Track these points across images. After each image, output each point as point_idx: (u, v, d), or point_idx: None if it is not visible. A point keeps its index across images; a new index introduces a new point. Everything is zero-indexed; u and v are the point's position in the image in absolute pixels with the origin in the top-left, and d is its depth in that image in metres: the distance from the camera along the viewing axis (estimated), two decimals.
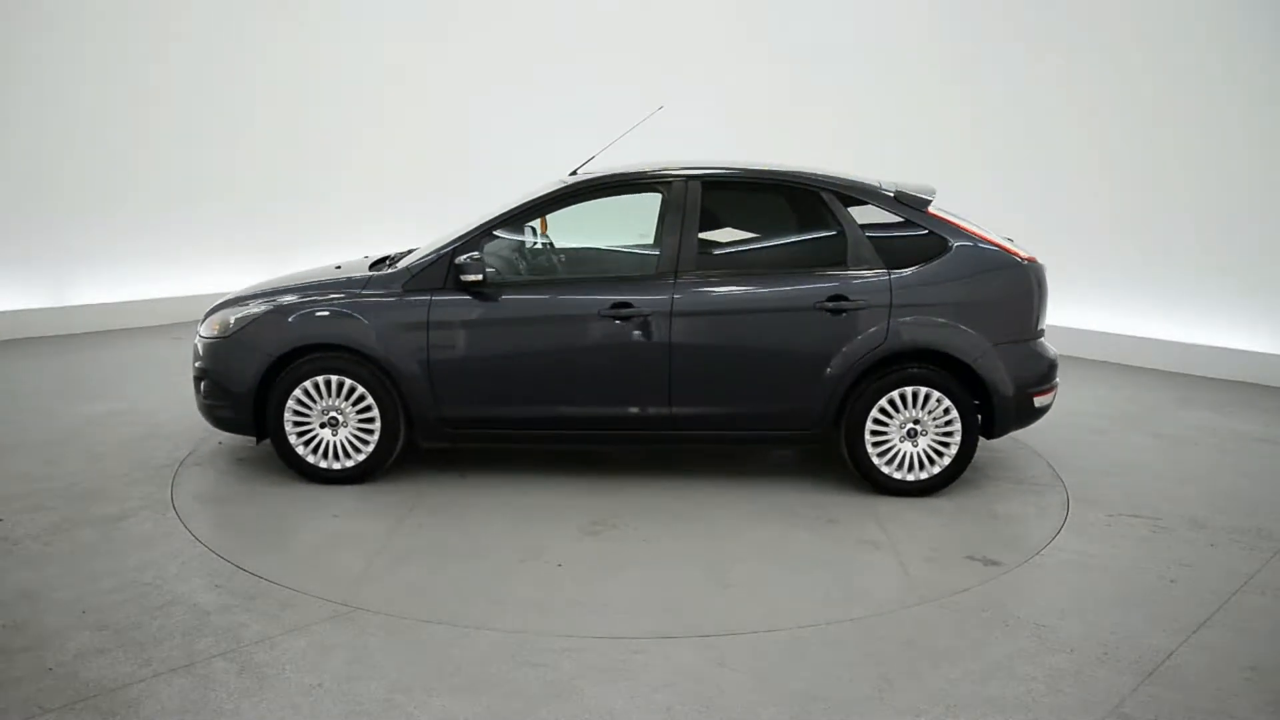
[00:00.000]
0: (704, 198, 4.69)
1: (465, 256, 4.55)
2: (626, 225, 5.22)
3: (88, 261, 8.54)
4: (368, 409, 4.66)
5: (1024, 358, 4.61)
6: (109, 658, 3.12)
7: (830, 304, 4.51)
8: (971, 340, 4.52)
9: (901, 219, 4.64)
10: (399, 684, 3.01)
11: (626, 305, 4.54)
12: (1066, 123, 8.10)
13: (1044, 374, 4.67)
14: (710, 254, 4.71)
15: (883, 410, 4.57)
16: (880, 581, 3.80)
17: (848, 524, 4.35)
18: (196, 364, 4.82)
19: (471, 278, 4.51)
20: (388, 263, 5.03)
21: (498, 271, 4.68)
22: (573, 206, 4.82)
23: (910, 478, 4.63)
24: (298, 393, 4.62)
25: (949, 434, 4.57)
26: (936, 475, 4.63)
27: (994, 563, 3.95)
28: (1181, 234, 7.63)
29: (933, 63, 8.81)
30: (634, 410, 4.63)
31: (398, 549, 4.06)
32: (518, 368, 4.63)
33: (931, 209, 4.67)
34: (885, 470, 4.63)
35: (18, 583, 3.63)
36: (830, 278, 4.57)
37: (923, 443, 4.61)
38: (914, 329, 4.51)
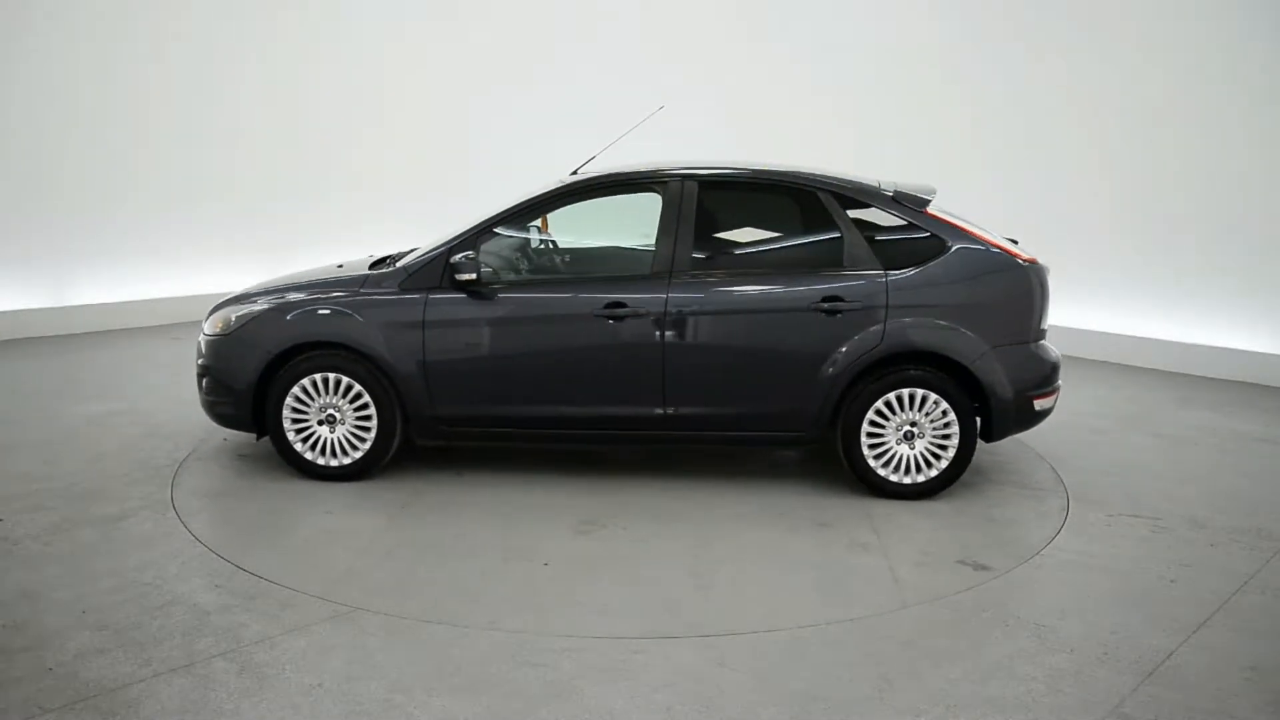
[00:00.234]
0: (700, 198, 4.67)
1: (460, 256, 4.56)
2: (628, 225, 5.22)
3: (88, 261, 8.53)
4: (365, 407, 4.69)
5: (1024, 360, 4.57)
6: (109, 658, 3.12)
7: (825, 305, 4.49)
8: (969, 342, 4.48)
9: (900, 219, 4.61)
10: (399, 684, 3.01)
11: (621, 305, 4.54)
12: (1067, 123, 8.10)
13: (1045, 377, 4.62)
14: (706, 254, 4.69)
15: (879, 412, 4.54)
16: (866, 585, 3.77)
17: (840, 527, 4.33)
18: (199, 361, 4.89)
19: (465, 277, 4.53)
20: (388, 262, 5.03)
21: (495, 271, 4.69)
22: (570, 206, 4.84)
23: (907, 480, 4.59)
24: (296, 390, 4.67)
25: (947, 437, 4.54)
26: (934, 478, 4.59)
27: (984, 568, 3.92)
28: (1182, 234, 7.63)
29: (934, 62, 8.81)
30: (629, 410, 4.63)
31: (386, 546, 4.08)
32: (512, 367, 4.65)
33: (931, 209, 4.64)
34: (882, 473, 4.60)
35: (18, 583, 3.63)
36: (826, 278, 4.55)
37: (920, 445, 4.57)
38: (910, 331, 4.48)
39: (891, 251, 4.59)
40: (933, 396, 4.50)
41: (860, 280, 4.52)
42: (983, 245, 4.58)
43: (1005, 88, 8.39)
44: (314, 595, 3.57)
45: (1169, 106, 7.57)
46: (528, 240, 5.14)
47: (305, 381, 4.66)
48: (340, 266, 5.22)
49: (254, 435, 4.92)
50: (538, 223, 5.22)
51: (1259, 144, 7.21)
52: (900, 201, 4.63)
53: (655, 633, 3.36)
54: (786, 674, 3.11)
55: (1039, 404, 4.63)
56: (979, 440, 4.66)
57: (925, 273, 4.52)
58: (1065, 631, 3.41)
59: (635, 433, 4.72)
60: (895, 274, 4.52)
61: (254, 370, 4.66)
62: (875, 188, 4.69)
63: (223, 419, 4.87)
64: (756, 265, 4.78)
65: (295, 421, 4.72)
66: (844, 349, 4.49)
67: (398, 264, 4.84)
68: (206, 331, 4.88)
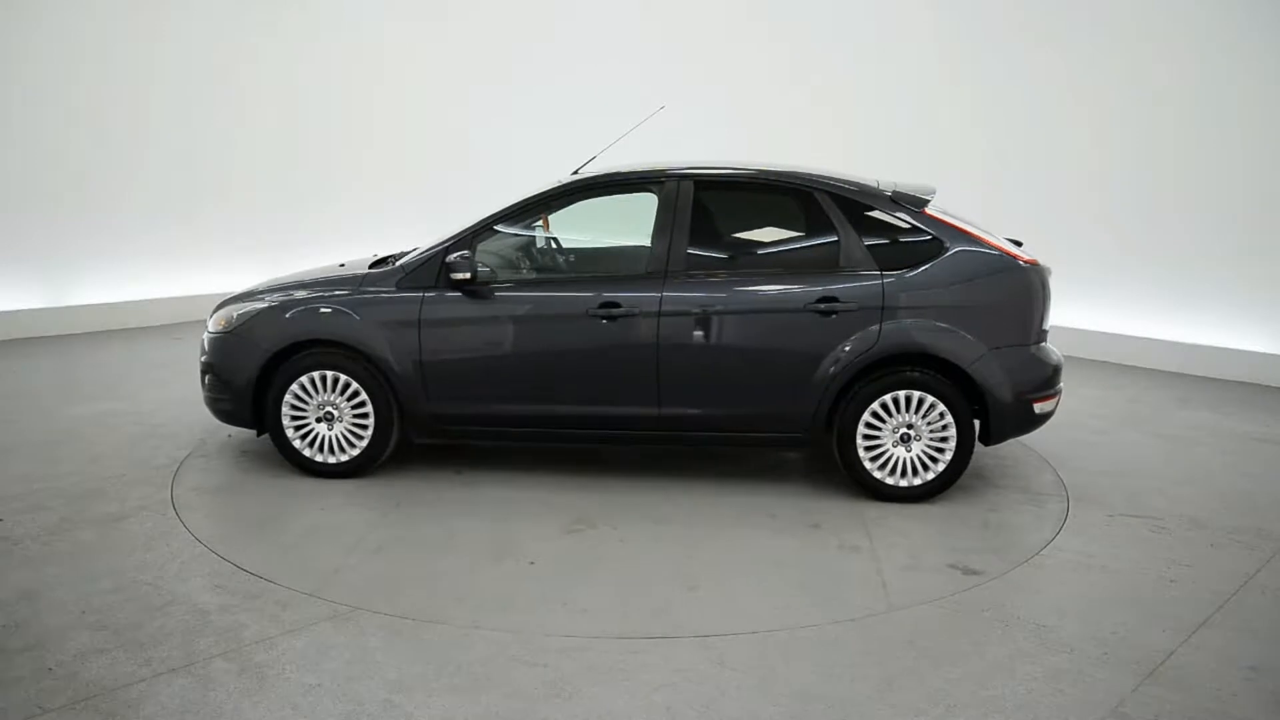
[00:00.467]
0: (696, 198, 4.66)
1: (455, 255, 4.58)
2: (626, 225, 5.22)
3: (88, 261, 8.54)
4: (362, 404, 4.73)
5: (1024, 363, 4.52)
6: (109, 658, 3.12)
7: (820, 306, 4.46)
8: (967, 344, 4.43)
9: (898, 220, 4.57)
10: (399, 684, 3.01)
11: (615, 305, 4.54)
12: (1067, 123, 8.10)
13: (1045, 380, 4.57)
14: (701, 254, 4.67)
15: (875, 415, 4.51)
16: (852, 588, 3.74)
17: (832, 529, 4.30)
18: (202, 358, 4.97)
19: (460, 276, 4.56)
20: (389, 262, 5.05)
21: (492, 271, 4.71)
22: (567, 206, 4.88)
23: (903, 483, 4.56)
24: (295, 387, 4.73)
25: (944, 439, 4.51)
26: (931, 481, 4.55)
27: (974, 572, 3.88)
28: (1182, 234, 7.62)
29: (935, 62, 8.81)
30: (623, 410, 4.63)
31: (375, 543, 4.11)
32: (507, 366, 4.66)
33: (930, 210, 4.60)
34: (878, 475, 4.56)
35: (18, 583, 3.63)
36: (822, 279, 4.52)
37: (916, 448, 4.53)
38: (906, 332, 4.44)
39: (889, 252, 4.55)
40: (929, 399, 4.47)
41: (856, 281, 4.49)
42: (982, 246, 4.53)
43: (1005, 87, 8.39)
44: (304, 593, 3.58)
45: (1170, 106, 7.57)
46: (524, 240, 5.14)
47: (304, 379, 4.72)
48: (342, 266, 5.26)
49: (254, 432, 4.99)
50: (539, 222, 5.22)
51: (1260, 144, 7.20)
52: (898, 202, 4.59)
53: (637, 633, 3.36)
54: (786, 674, 3.11)
55: (1039, 407, 4.58)
56: (979, 443, 4.64)
57: (922, 274, 4.48)
58: (1065, 631, 3.41)
59: (629, 433, 4.72)
60: (892, 275, 4.48)
61: (253, 367, 4.72)
62: (873, 188, 4.65)
63: (224, 415, 4.93)
64: (752, 266, 4.76)
65: (294, 419, 4.77)
66: (839, 350, 4.46)
67: (397, 264, 4.87)
68: (210, 329, 4.95)
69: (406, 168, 10.63)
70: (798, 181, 4.67)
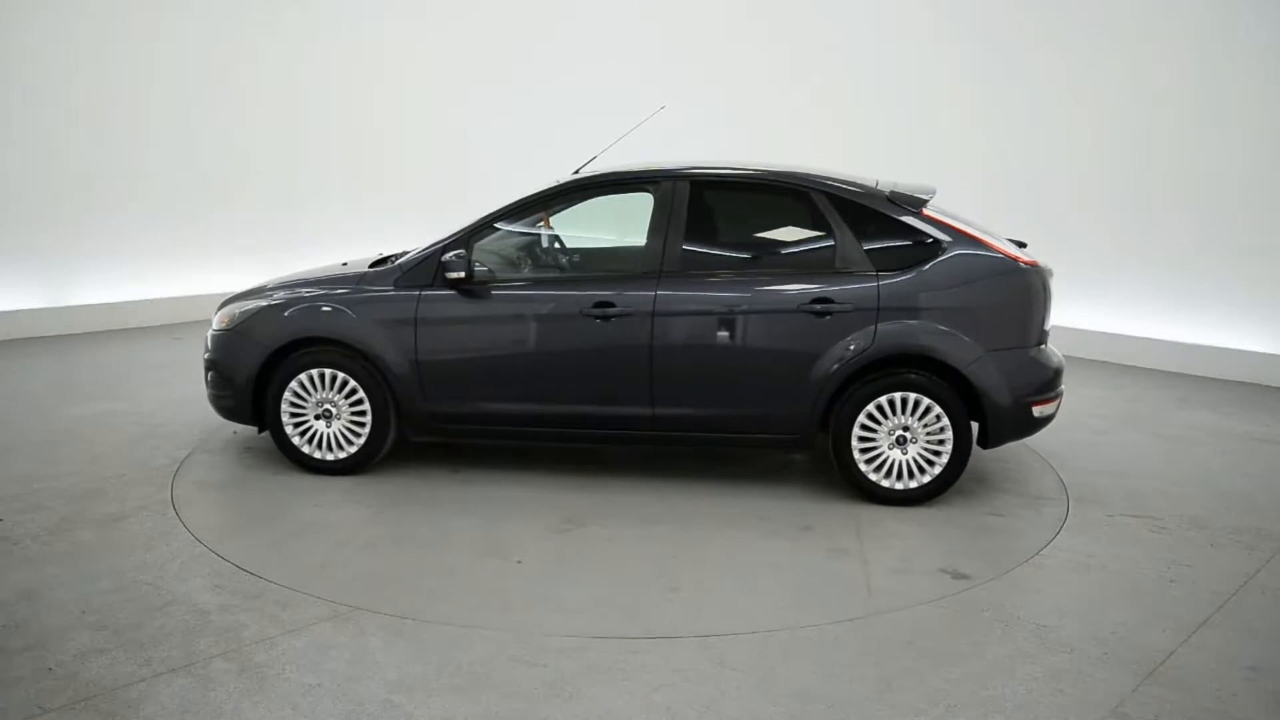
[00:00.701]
0: (691, 198, 4.65)
1: (451, 254, 4.59)
2: (623, 225, 5.22)
3: (88, 261, 8.53)
4: (360, 402, 4.75)
5: (1022, 365, 4.47)
6: (109, 658, 3.12)
7: (815, 306, 4.43)
8: (964, 346, 4.38)
9: (895, 220, 4.52)
10: (399, 684, 3.01)
11: (609, 304, 4.53)
12: (1067, 123, 8.09)
13: (1045, 383, 4.52)
14: (696, 254, 4.65)
15: (871, 416, 4.47)
16: (837, 591, 3.70)
17: (823, 531, 4.27)
18: (205, 355, 5.02)
19: (454, 275, 4.58)
20: (390, 262, 5.06)
21: (489, 270, 4.73)
22: (565, 206, 4.93)
23: (899, 486, 4.51)
24: (294, 385, 4.77)
25: (941, 442, 4.46)
26: (927, 484, 4.50)
27: (964, 576, 3.84)
28: (1182, 234, 7.62)
29: (935, 62, 8.81)
30: (616, 410, 4.63)
31: (365, 539, 4.14)
32: (502, 364, 4.68)
33: (929, 211, 4.55)
34: (873, 478, 4.52)
35: (18, 583, 3.63)
36: (817, 280, 4.49)
37: (913, 450, 4.49)
38: (902, 334, 4.40)
39: (886, 253, 4.51)
40: (926, 401, 4.43)
41: (851, 282, 4.46)
42: (981, 247, 4.49)
43: (1005, 87, 8.39)
44: (299, 591, 3.58)
45: (1169, 106, 7.57)
46: (520, 239, 5.15)
47: (302, 377, 4.76)
48: (345, 265, 5.29)
49: (255, 430, 5.04)
50: (540, 221, 5.23)
51: (1260, 144, 7.20)
52: (896, 202, 4.55)
53: (636, 633, 3.36)
54: (786, 674, 3.11)
55: (1038, 411, 4.52)
56: (977, 446, 4.61)
57: (919, 275, 4.44)
58: (1065, 631, 3.41)
59: (623, 433, 4.72)
60: (888, 276, 4.45)
61: (253, 365, 4.78)
62: (871, 188, 4.62)
63: (226, 412, 4.98)
64: (747, 266, 4.74)
65: (293, 416, 4.81)
66: (834, 351, 4.43)
67: (395, 263, 4.90)
68: (214, 326, 5.02)
69: (406, 168, 10.63)
70: (794, 182, 4.64)
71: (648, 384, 4.55)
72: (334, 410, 4.79)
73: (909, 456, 4.50)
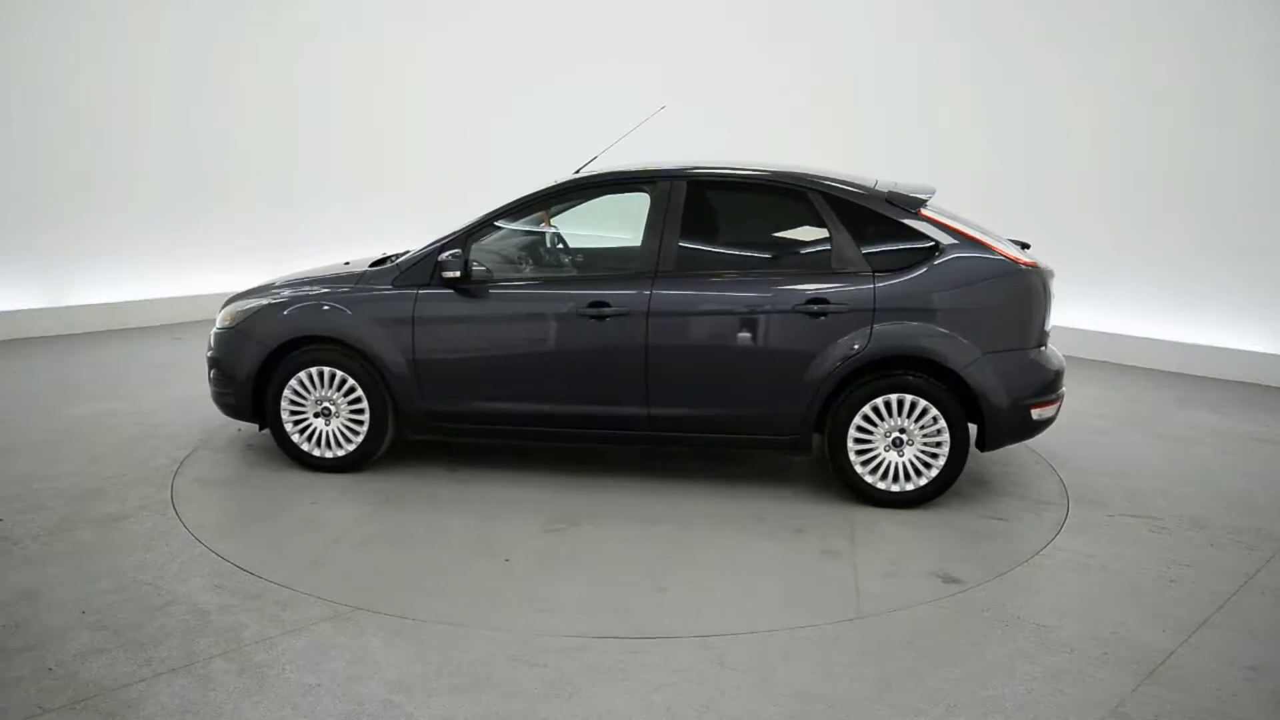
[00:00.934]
0: (688, 198, 4.64)
1: (447, 254, 4.62)
2: (620, 225, 5.23)
3: (88, 261, 8.53)
4: (358, 400, 4.78)
5: (1021, 368, 4.43)
6: (109, 658, 3.12)
7: (810, 307, 4.41)
8: (960, 348, 4.34)
9: (893, 221, 4.49)
10: (399, 684, 3.01)
11: (604, 304, 4.53)
12: (1067, 123, 8.10)
13: (1044, 385, 4.47)
14: (692, 254, 4.64)
15: (867, 418, 4.44)
16: (823, 595, 3.68)
17: (816, 534, 4.25)
18: (208, 353, 5.07)
19: (450, 274, 4.60)
20: (390, 261, 5.07)
21: (487, 270, 4.75)
22: (562, 205, 4.97)
23: (895, 488, 4.48)
24: (293, 383, 4.80)
25: (938, 444, 4.42)
26: (924, 486, 4.46)
27: (954, 580, 3.80)
28: (1182, 234, 7.63)
29: (935, 62, 8.81)
30: (612, 410, 4.62)
31: (358, 537, 4.16)
32: (498, 364, 4.69)
33: (927, 211, 4.52)
34: (869, 480, 4.49)
35: (18, 583, 3.63)
36: (812, 280, 4.47)
37: (909, 452, 4.45)
38: (897, 335, 4.36)
39: (883, 254, 4.48)
40: (922, 403, 4.39)
41: (847, 282, 4.43)
42: (979, 248, 4.45)
43: (1005, 87, 8.39)
44: (301, 592, 3.58)
45: (1169, 106, 7.57)
46: (517, 239, 5.16)
47: (302, 375, 4.79)
48: (347, 264, 5.32)
49: (257, 427, 5.09)
50: (541, 219, 5.25)
51: (1260, 144, 7.20)
52: (894, 203, 4.51)
53: (637, 633, 3.36)
54: (786, 674, 3.11)
55: (1037, 413, 4.47)
56: (976, 449, 4.58)
57: (916, 276, 4.41)
58: (1065, 631, 3.41)
59: (619, 433, 4.72)
60: (884, 276, 4.42)
61: (253, 363, 4.82)
62: (868, 189, 4.59)
63: (228, 409, 5.03)
64: (743, 266, 4.70)
65: (293, 413, 4.84)
66: (829, 352, 4.40)
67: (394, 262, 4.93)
68: (217, 324, 5.07)
69: (406, 168, 10.63)
70: (791, 182, 4.62)
71: (643, 384, 4.54)
72: (333, 408, 4.81)
73: (905, 459, 4.48)
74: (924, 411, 4.41)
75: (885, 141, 9.00)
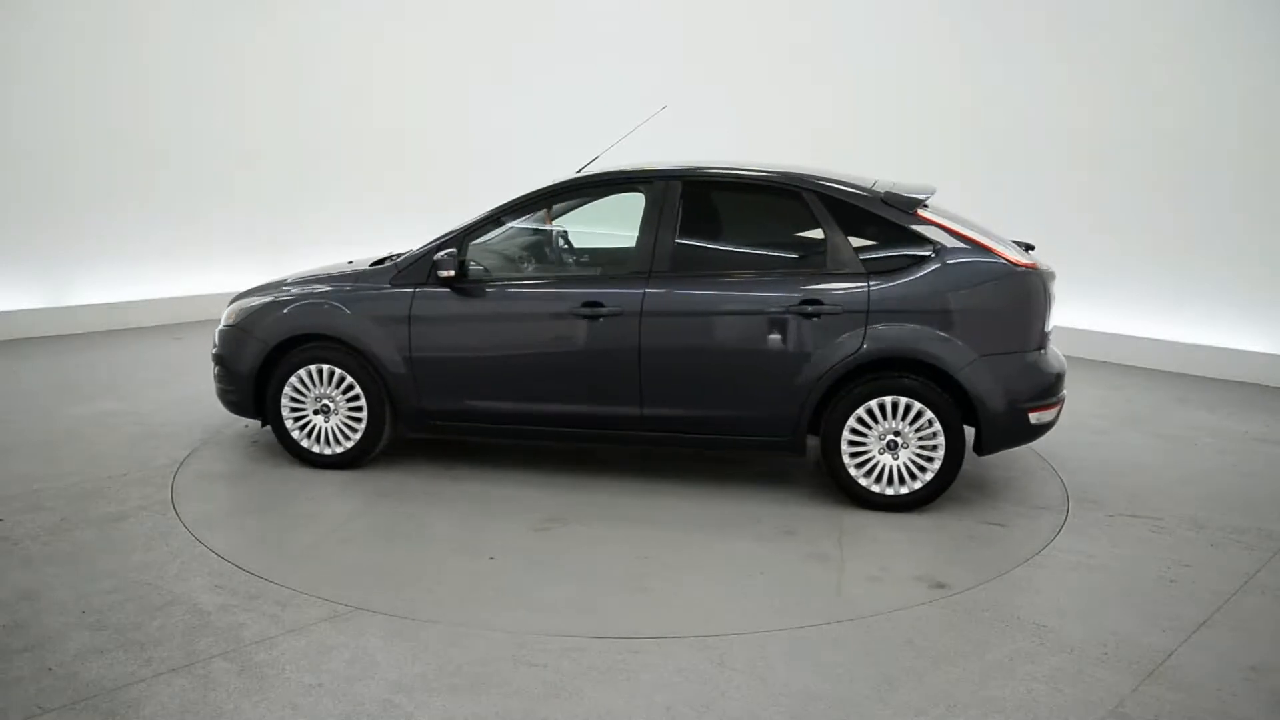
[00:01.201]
0: (683, 198, 4.64)
1: (443, 253, 4.64)
2: (620, 225, 5.23)
3: (88, 261, 8.53)
4: (356, 398, 4.82)
5: (1019, 370, 4.37)
6: (109, 658, 3.12)
7: (803, 308, 4.38)
8: (956, 350, 4.29)
9: (889, 222, 4.45)
10: (399, 684, 3.01)
11: (598, 304, 4.53)
12: (1067, 123, 8.09)
13: (1044, 389, 4.41)
14: (686, 255, 4.64)
15: (861, 420, 4.39)
16: (809, 598, 3.66)
17: (805, 536, 4.22)
18: (213, 350, 5.13)
19: (445, 273, 4.63)
20: (390, 261, 5.09)
21: (485, 269, 4.77)
22: (559, 205, 5.01)
23: (890, 492, 4.43)
24: (294, 380, 4.85)
25: (933, 447, 4.37)
26: (918, 490, 4.41)
27: (941, 585, 3.76)
28: (1182, 235, 7.62)
29: (935, 62, 8.81)
30: (606, 410, 4.62)
31: (348, 533, 4.21)
32: (493, 363, 4.71)
33: (924, 212, 4.47)
34: (863, 483, 4.44)
35: (18, 583, 3.63)
36: (806, 281, 4.43)
37: (904, 455, 4.40)
38: (892, 337, 4.32)
39: (878, 255, 4.45)
40: (917, 405, 4.34)
41: (841, 283, 4.40)
42: (975, 249, 4.40)
43: (1005, 87, 8.39)
44: (301, 592, 3.58)
45: (1169, 106, 7.57)
46: (514, 239, 5.18)
47: (301, 372, 4.84)
48: (351, 263, 5.34)
49: (260, 423, 5.14)
50: (542, 217, 5.26)
51: (1260, 144, 7.20)
52: (890, 203, 4.46)
53: (637, 633, 3.36)
54: (786, 674, 3.11)
55: (1035, 417, 4.40)
56: (973, 453, 4.55)
57: (911, 277, 4.36)
58: (1065, 631, 3.41)
59: (612, 432, 4.71)
60: (878, 277, 4.38)
61: (255, 360, 4.88)
62: (865, 189, 4.55)
63: (232, 406, 5.10)
64: (737, 266, 4.67)
65: (293, 410, 4.89)
66: (823, 354, 4.37)
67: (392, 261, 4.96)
68: (222, 322, 5.14)
69: (406, 168, 10.63)
70: (786, 182, 4.60)
71: (637, 384, 4.54)
72: (332, 405, 4.85)
73: (900, 462, 4.43)
74: (919, 414, 4.36)
75: (885, 141, 8.99)
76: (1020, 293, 4.41)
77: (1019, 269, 4.40)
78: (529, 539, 4.16)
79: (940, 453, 4.38)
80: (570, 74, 10.46)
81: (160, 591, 3.59)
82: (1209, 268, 7.52)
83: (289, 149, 9.84)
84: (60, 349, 7.77)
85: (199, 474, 4.89)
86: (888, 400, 4.38)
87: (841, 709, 2.92)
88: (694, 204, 4.71)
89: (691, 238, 4.71)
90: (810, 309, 4.39)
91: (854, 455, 4.45)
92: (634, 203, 4.77)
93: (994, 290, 4.39)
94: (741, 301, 4.48)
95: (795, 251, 4.71)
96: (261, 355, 4.86)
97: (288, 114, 9.80)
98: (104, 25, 8.39)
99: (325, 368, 4.81)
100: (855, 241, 4.47)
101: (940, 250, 4.40)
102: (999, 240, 4.61)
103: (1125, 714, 2.92)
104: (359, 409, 4.82)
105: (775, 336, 4.44)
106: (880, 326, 4.34)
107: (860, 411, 4.40)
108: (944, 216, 4.57)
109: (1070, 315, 7.87)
